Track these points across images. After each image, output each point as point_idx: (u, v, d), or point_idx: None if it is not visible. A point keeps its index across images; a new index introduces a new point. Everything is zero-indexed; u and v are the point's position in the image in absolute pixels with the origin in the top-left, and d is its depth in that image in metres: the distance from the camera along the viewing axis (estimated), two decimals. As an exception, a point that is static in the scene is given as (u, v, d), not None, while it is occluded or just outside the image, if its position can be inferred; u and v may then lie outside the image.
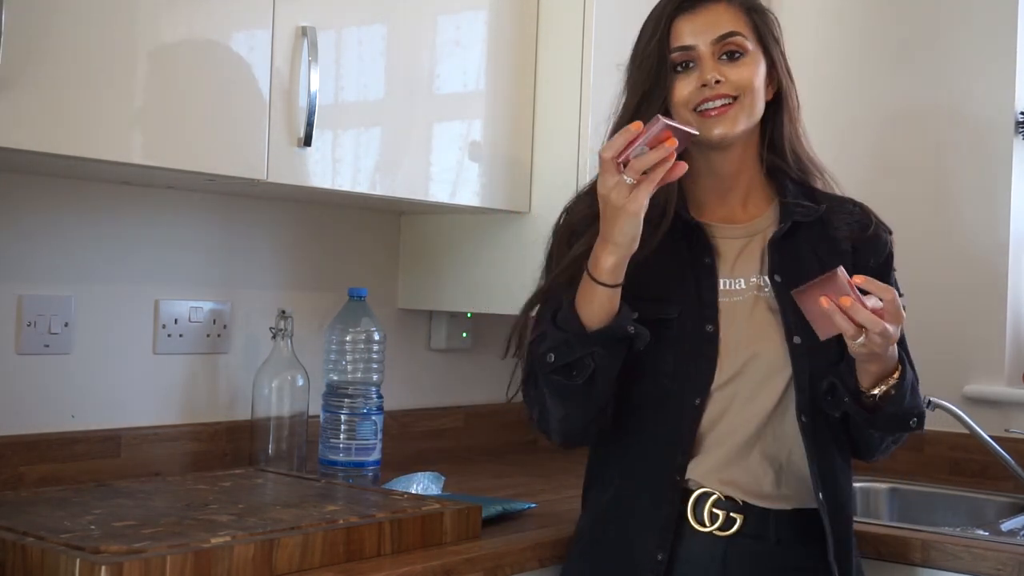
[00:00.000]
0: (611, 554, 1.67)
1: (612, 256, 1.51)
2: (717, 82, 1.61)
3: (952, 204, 2.58)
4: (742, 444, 1.62)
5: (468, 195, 2.17)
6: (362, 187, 1.98)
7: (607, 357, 1.54)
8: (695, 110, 1.62)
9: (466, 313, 2.58)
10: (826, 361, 1.61)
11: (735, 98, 1.62)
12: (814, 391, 1.61)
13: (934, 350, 2.52)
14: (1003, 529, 2.05)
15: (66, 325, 1.96)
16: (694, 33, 1.63)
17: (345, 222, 2.40)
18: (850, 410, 1.58)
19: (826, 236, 1.69)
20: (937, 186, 2.60)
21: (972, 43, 2.57)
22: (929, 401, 2.31)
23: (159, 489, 1.83)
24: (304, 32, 1.84)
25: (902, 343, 1.66)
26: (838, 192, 1.77)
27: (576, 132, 2.21)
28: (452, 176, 2.14)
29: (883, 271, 1.69)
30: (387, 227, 2.48)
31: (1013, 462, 2.33)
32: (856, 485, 2.28)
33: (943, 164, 2.60)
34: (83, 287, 1.99)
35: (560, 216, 1.72)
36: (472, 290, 2.37)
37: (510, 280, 2.24)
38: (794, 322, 1.61)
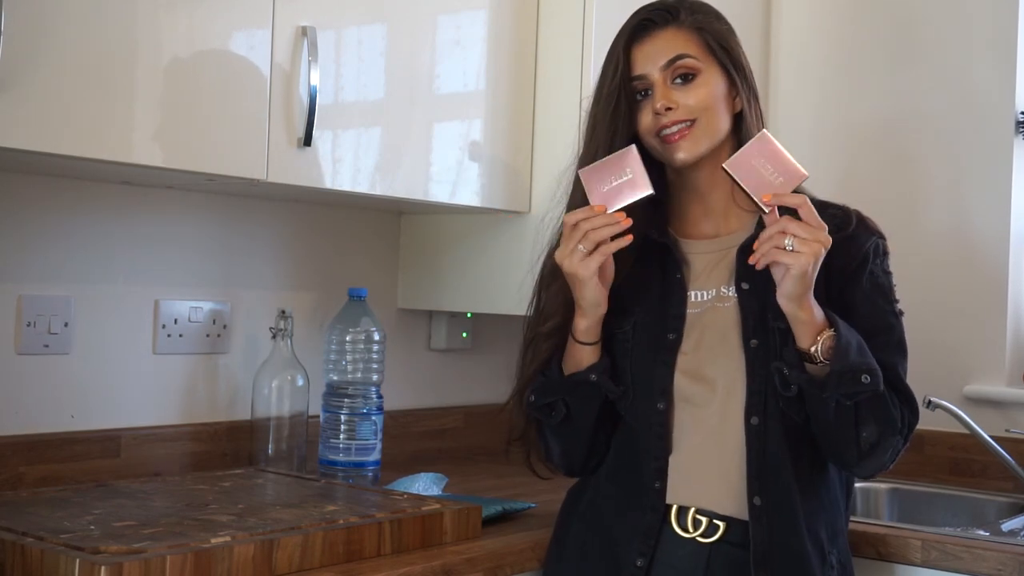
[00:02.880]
0: (594, 557, 1.69)
1: (583, 320, 1.64)
2: (668, 109, 1.64)
3: (952, 204, 2.58)
4: (716, 455, 1.63)
5: (468, 195, 2.17)
6: (362, 187, 1.98)
7: (577, 402, 1.68)
8: (658, 135, 1.66)
9: (466, 313, 2.58)
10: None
11: (693, 121, 1.65)
12: (767, 394, 1.60)
13: (934, 350, 2.53)
14: (1003, 529, 2.05)
15: (66, 325, 1.96)
16: (645, 60, 1.66)
17: (345, 222, 2.40)
18: (796, 380, 1.56)
19: None
20: (937, 186, 2.60)
21: (972, 43, 2.57)
22: (929, 401, 2.31)
23: (159, 489, 1.83)
24: (304, 32, 1.84)
25: (893, 345, 1.65)
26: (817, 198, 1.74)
27: (576, 132, 2.19)
28: (452, 176, 2.14)
29: (855, 273, 1.66)
30: (387, 227, 2.48)
31: (1013, 462, 2.33)
32: (856, 485, 2.28)
33: (943, 164, 2.60)
34: (83, 287, 1.99)
35: (546, 250, 1.76)
36: (472, 290, 2.37)
37: (510, 280, 2.24)
38: (752, 326, 1.62)
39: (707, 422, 1.64)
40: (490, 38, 2.19)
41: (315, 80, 1.84)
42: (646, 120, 1.66)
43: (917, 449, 2.51)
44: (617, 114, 1.66)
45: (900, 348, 1.67)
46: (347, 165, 1.96)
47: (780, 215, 1.53)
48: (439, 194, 2.12)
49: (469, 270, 2.37)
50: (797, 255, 1.50)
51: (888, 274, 1.71)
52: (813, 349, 1.55)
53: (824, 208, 1.70)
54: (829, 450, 1.64)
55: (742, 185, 1.55)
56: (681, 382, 1.65)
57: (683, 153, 1.65)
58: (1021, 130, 2.52)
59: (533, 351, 1.73)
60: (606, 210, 1.58)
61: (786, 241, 1.50)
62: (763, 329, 1.61)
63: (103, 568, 1.34)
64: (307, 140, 1.85)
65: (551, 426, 1.71)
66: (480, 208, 2.21)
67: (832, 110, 2.76)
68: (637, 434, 1.68)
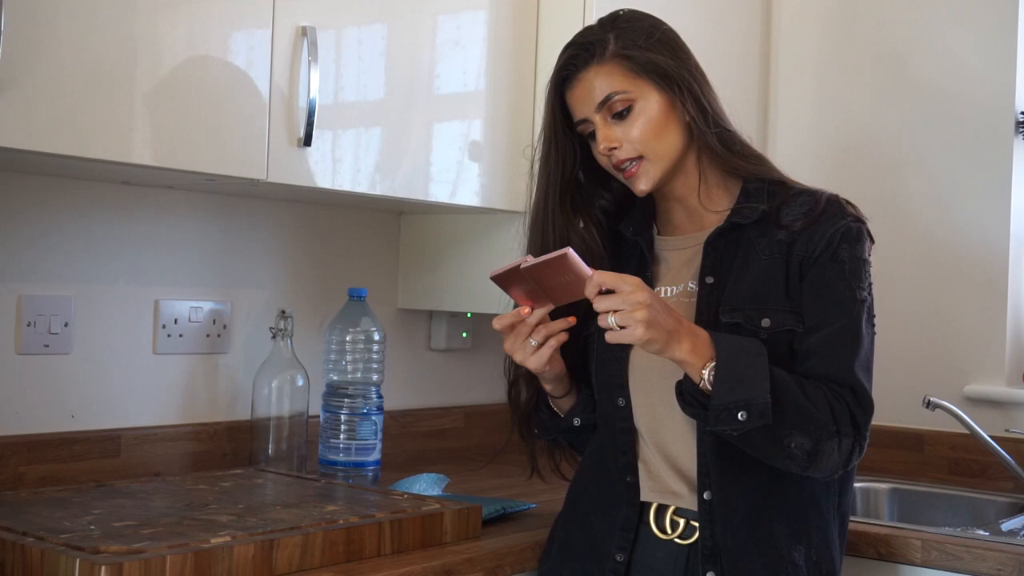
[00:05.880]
0: (580, 552, 1.71)
1: (547, 384, 1.72)
2: (612, 149, 1.63)
3: (952, 204, 2.58)
4: (675, 450, 1.63)
5: (468, 195, 2.17)
6: (362, 187, 1.98)
7: (573, 436, 1.77)
8: (617, 170, 1.66)
9: (466, 313, 2.58)
10: None
11: (641, 155, 1.63)
12: None
13: (934, 350, 2.53)
14: (1003, 529, 2.05)
15: (66, 325, 1.96)
16: (580, 105, 1.65)
17: (345, 222, 2.40)
18: (686, 413, 1.54)
19: (770, 231, 1.63)
20: (937, 186, 2.60)
21: (972, 44, 2.57)
22: (929, 401, 2.31)
23: (159, 489, 1.83)
24: (304, 32, 1.85)
25: (842, 334, 1.57)
26: (799, 186, 1.69)
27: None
28: (452, 176, 2.14)
29: (817, 260, 1.58)
30: (387, 227, 2.48)
31: (1013, 462, 2.33)
32: (856, 485, 2.29)
33: (943, 164, 2.60)
34: (83, 287, 1.99)
35: None
36: (472, 290, 2.37)
37: (510, 280, 2.24)
38: (705, 321, 1.59)
39: (665, 418, 1.63)
40: (490, 38, 2.19)
41: (315, 80, 1.84)
42: (601, 159, 1.67)
43: (917, 449, 2.52)
44: (548, 162, 1.71)
45: (852, 337, 1.57)
46: (347, 165, 1.96)
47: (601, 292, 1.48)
48: (439, 194, 2.12)
49: (469, 270, 2.37)
50: (631, 329, 1.45)
51: (859, 260, 1.60)
52: (701, 385, 1.50)
53: (797, 196, 1.65)
54: (771, 464, 1.57)
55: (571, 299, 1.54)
56: (636, 379, 1.65)
57: (642, 185, 1.65)
58: (1021, 130, 2.52)
59: (516, 391, 1.77)
60: (531, 311, 1.57)
61: (610, 320, 1.46)
62: (715, 324, 1.57)
63: (103, 568, 1.34)
64: (307, 140, 1.85)
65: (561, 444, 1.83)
66: (480, 208, 2.21)
67: (832, 110, 2.76)
68: (606, 431, 1.70)
